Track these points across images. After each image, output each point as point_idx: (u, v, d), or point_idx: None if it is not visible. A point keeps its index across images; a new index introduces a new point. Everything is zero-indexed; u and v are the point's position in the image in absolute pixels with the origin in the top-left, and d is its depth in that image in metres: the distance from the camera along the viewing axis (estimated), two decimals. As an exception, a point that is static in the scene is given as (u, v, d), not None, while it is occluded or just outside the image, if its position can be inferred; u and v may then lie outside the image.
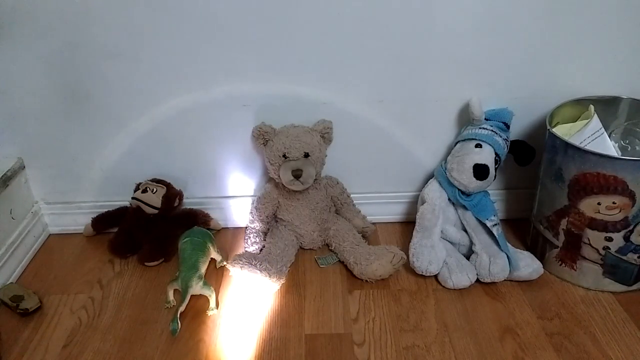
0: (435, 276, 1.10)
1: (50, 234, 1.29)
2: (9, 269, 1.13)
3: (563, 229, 1.05)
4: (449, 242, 1.15)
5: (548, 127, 1.04)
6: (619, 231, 0.98)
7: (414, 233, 1.11)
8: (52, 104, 1.12)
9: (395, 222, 1.30)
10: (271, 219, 1.21)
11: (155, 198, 1.16)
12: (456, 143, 1.14)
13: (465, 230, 1.13)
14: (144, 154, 1.19)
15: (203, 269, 1.09)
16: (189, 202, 1.25)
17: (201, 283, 1.04)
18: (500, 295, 1.06)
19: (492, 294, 1.07)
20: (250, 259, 1.04)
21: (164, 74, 1.09)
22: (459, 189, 1.10)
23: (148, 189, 1.16)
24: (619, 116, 1.13)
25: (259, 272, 1.03)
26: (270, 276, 1.05)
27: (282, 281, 1.08)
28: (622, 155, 1.05)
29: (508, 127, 1.12)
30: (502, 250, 1.07)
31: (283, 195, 1.17)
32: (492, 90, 1.12)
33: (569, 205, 1.02)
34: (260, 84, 1.11)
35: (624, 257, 1.01)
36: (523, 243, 1.21)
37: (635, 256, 1.01)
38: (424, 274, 1.09)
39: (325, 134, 1.13)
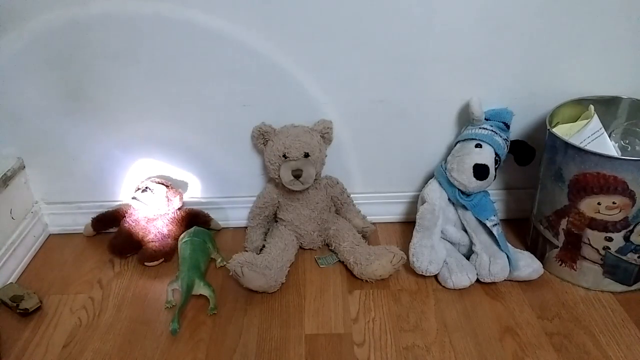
0: (435, 276, 1.10)
1: (50, 234, 1.29)
2: (9, 269, 1.13)
3: (563, 229, 1.05)
4: (449, 242, 1.15)
5: (548, 127, 1.04)
6: (619, 231, 0.98)
7: (414, 233, 1.11)
8: (52, 103, 1.12)
9: (395, 222, 1.30)
10: (271, 219, 1.21)
11: (155, 198, 1.16)
12: (456, 143, 1.14)
13: (465, 230, 1.13)
14: (143, 154, 1.19)
15: (203, 269, 1.09)
16: (189, 202, 1.26)
17: (201, 283, 1.04)
18: (500, 295, 1.06)
19: (492, 294, 1.07)
20: (250, 259, 1.04)
21: (164, 74, 1.09)
22: (459, 189, 1.10)
23: (148, 189, 1.16)
24: (619, 116, 1.13)
25: (258, 272, 1.03)
26: (270, 276, 1.05)
27: (282, 281, 1.08)
28: (622, 155, 1.05)
29: (508, 127, 1.12)
30: (502, 250, 1.07)
31: (283, 195, 1.17)
32: (492, 90, 1.12)
33: (569, 205, 1.02)
34: (260, 84, 1.11)
35: (624, 257, 1.01)
36: (523, 243, 1.21)
37: (635, 256, 1.01)
38: (424, 274, 1.09)
39: (325, 134, 1.13)
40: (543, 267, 1.09)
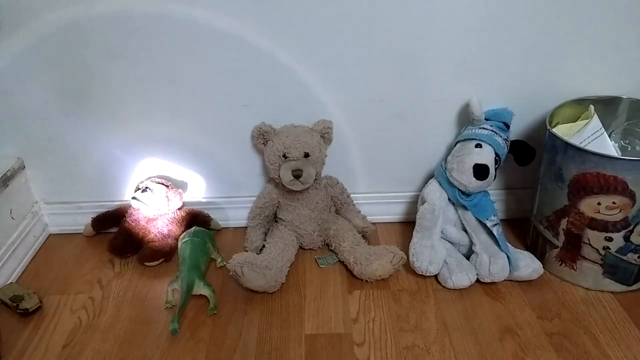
0: (435, 276, 1.10)
1: (50, 234, 1.29)
2: (9, 269, 1.13)
3: (563, 229, 1.05)
4: (449, 242, 1.15)
5: (548, 127, 1.04)
6: (619, 231, 0.98)
7: (414, 233, 1.11)
8: (52, 103, 1.12)
9: (395, 222, 1.30)
10: (271, 219, 1.21)
11: (155, 198, 1.16)
12: (456, 143, 1.14)
13: (465, 230, 1.13)
14: (143, 154, 1.19)
15: (203, 269, 1.09)
16: (189, 202, 1.26)
17: (201, 283, 1.04)
18: (500, 295, 1.06)
19: (492, 294, 1.07)
20: (250, 259, 1.04)
21: (164, 74, 1.09)
22: (459, 189, 1.10)
23: (148, 189, 1.16)
24: (619, 116, 1.13)
25: (258, 272, 1.03)
26: (270, 276, 1.05)
27: (282, 281, 1.08)
28: (622, 155, 1.05)
29: (508, 127, 1.12)
30: (502, 250, 1.07)
31: (283, 195, 1.17)
32: (492, 90, 1.12)
33: (569, 205, 1.02)
34: (260, 84, 1.11)
35: (624, 257, 1.01)
36: (523, 243, 1.21)
37: (635, 256, 1.01)
38: (424, 274, 1.09)
39: (325, 134, 1.13)
40: (543, 267, 1.09)
